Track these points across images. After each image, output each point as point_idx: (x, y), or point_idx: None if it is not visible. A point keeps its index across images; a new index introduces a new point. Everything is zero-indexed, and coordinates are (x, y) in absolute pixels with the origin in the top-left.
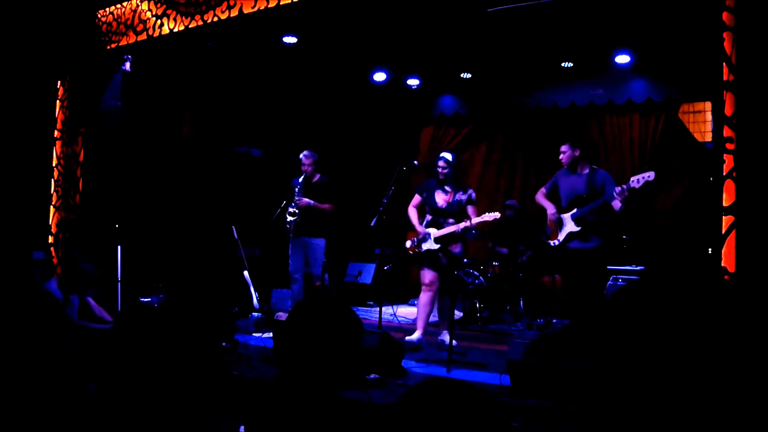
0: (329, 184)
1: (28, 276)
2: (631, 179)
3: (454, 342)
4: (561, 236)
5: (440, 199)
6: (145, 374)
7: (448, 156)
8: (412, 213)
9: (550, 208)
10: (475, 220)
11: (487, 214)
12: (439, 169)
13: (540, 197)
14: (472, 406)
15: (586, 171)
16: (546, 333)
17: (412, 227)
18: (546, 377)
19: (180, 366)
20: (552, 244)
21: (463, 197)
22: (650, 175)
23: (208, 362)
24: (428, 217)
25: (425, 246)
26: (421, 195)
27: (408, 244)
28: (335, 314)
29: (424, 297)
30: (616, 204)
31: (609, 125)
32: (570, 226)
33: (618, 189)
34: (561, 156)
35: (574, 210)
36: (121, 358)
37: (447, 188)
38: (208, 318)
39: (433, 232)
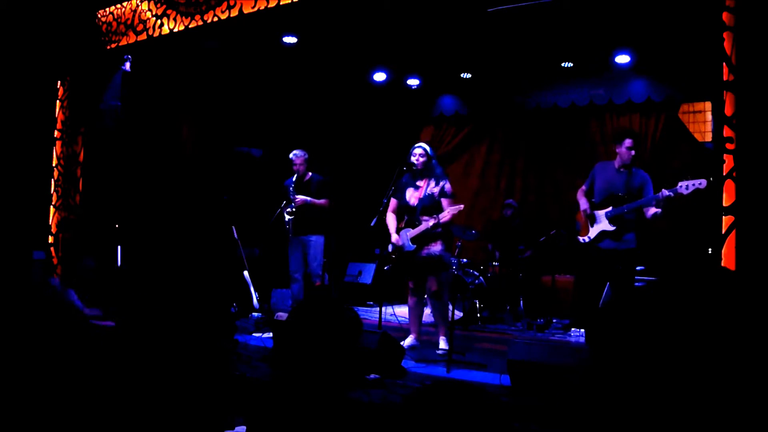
0: (323, 181)
1: (27, 276)
2: (680, 184)
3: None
4: (592, 233)
5: (411, 196)
6: (150, 375)
7: (425, 145)
8: (390, 219)
9: (583, 204)
10: (444, 219)
11: (451, 207)
12: (415, 158)
13: (579, 194)
14: (477, 409)
15: (625, 169)
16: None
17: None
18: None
19: (186, 367)
20: (582, 240)
21: (436, 190)
22: (702, 183)
23: (215, 363)
24: (405, 217)
25: (404, 249)
26: (396, 197)
27: (390, 248)
28: (334, 314)
29: (410, 301)
30: (649, 211)
31: (609, 125)
32: (603, 225)
33: (662, 194)
34: (630, 151)
35: (609, 208)
36: (124, 359)
37: (419, 183)
38: (210, 318)
39: (409, 232)
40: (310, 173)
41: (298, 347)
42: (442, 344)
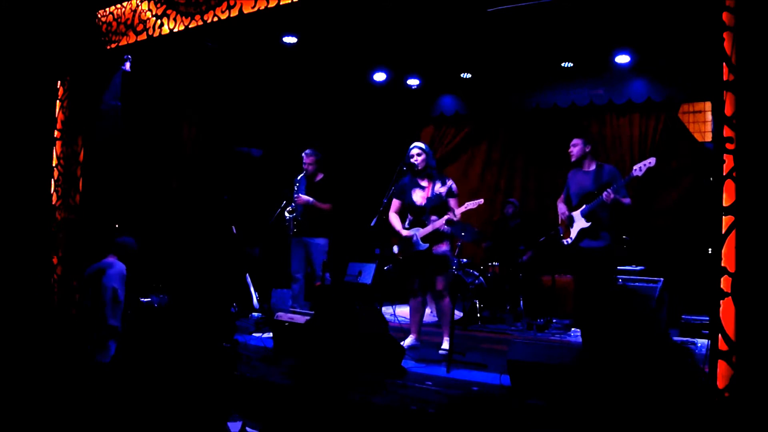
0: (330, 184)
1: (27, 275)
2: (633, 168)
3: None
4: (573, 234)
5: (418, 196)
6: (153, 375)
7: (422, 144)
8: (394, 219)
9: (561, 209)
10: (459, 211)
11: (469, 202)
12: (414, 159)
13: (558, 202)
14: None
15: (593, 167)
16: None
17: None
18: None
19: (189, 367)
20: (565, 242)
21: (443, 189)
22: (651, 161)
23: (216, 363)
24: (409, 218)
25: (415, 248)
26: (399, 198)
27: (395, 249)
28: (362, 312)
29: (414, 302)
30: (624, 200)
31: (609, 125)
32: (580, 223)
33: (612, 188)
34: (571, 149)
35: (584, 206)
36: (130, 359)
37: (423, 183)
38: (211, 318)
39: (419, 232)
40: (322, 174)
41: (323, 345)
42: (445, 344)
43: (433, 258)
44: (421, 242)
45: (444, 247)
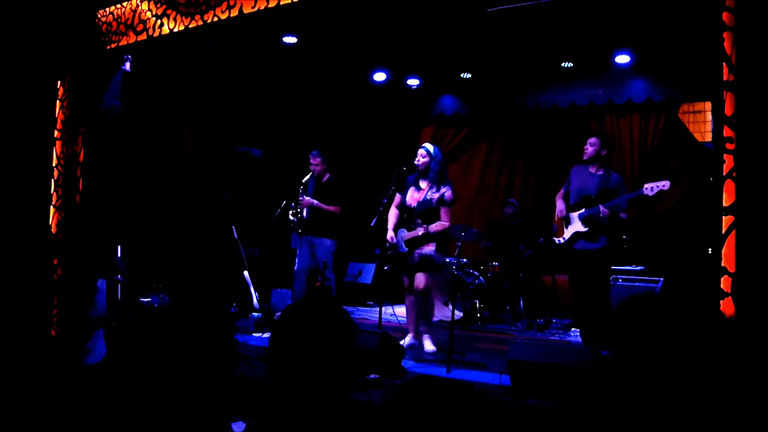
0: (337, 185)
1: (28, 276)
2: (645, 186)
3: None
4: (566, 235)
5: (411, 197)
6: (153, 376)
7: (430, 146)
8: (392, 214)
9: (559, 206)
10: (431, 228)
11: (439, 223)
12: (418, 158)
13: (557, 197)
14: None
15: (600, 172)
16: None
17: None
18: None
19: (190, 368)
20: (558, 241)
21: (435, 196)
22: (665, 185)
23: (218, 364)
24: (405, 215)
25: (398, 249)
26: (401, 193)
27: (388, 243)
28: (326, 313)
29: (407, 300)
30: (621, 213)
31: (609, 125)
32: (577, 226)
33: (630, 195)
34: (587, 146)
35: (582, 210)
36: (129, 359)
37: (422, 185)
38: (211, 318)
39: (404, 234)
40: (329, 175)
41: (289, 346)
42: (428, 345)
43: (416, 259)
44: (403, 245)
45: (428, 249)
